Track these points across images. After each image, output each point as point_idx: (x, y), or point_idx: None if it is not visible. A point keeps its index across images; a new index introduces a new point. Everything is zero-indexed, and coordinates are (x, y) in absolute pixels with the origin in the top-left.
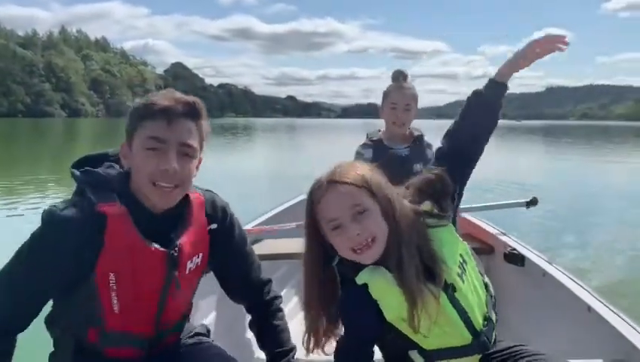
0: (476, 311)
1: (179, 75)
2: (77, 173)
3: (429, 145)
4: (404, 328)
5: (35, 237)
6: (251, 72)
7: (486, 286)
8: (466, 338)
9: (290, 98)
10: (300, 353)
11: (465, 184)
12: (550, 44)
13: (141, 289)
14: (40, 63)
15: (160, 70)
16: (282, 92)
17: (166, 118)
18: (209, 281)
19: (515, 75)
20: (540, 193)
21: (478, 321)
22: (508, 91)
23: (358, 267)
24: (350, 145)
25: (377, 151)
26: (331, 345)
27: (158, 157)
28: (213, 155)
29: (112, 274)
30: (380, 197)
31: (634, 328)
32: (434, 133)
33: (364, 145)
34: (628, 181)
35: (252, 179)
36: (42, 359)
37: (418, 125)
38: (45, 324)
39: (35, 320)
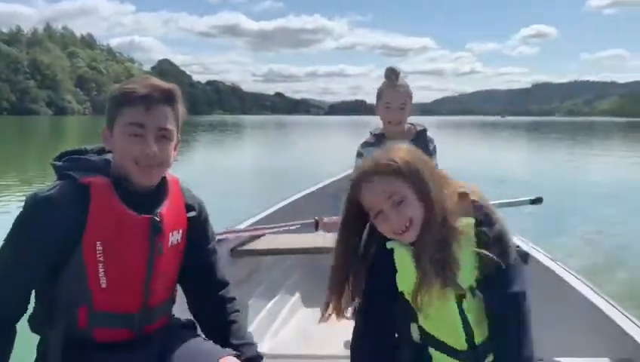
0: (479, 329)
1: (166, 72)
2: (58, 163)
3: (431, 140)
4: (412, 301)
5: (19, 217)
6: (239, 69)
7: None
8: (461, 344)
9: (279, 95)
10: (267, 346)
11: None
12: None
13: (127, 259)
14: (25, 60)
15: (147, 67)
16: (270, 89)
17: (144, 105)
18: None
19: (501, 71)
20: (529, 190)
21: (479, 338)
22: (494, 88)
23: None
24: (341, 142)
25: (380, 146)
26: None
27: (140, 142)
28: (204, 153)
29: (98, 243)
30: (417, 183)
31: (639, 327)
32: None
33: (364, 144)
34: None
35: (243, 177)
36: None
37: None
38: (29, 324)
39: (22, 325)
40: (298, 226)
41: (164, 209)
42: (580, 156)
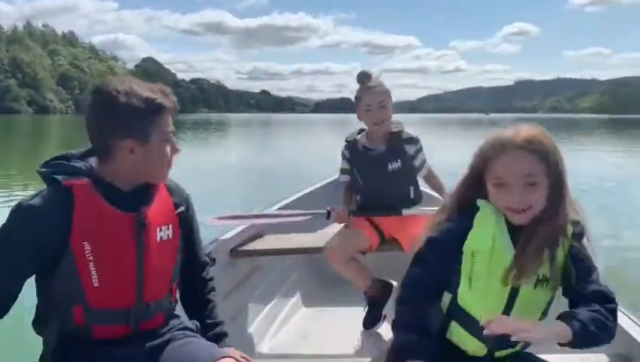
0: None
1: (150, 71)
2: (44, 169)
3: (410, 140)
4: (464, 267)
5: (4, 225)
6: (224, 67)
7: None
8: None
9: (264, 93)
10: (266, 346)
11: None
12: None
13: (116, 256)
14: (5, 59)
15: (131, 65)
16: (256, 86)
17: (171, 114)
18: None
19: (485, 68)
20: None
21: None
22: (478, 85)
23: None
24: (327, 141)
25: (353, 152)
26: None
27: (171, 147)
28: (188, 152)
29: (86, 244)
30: (555, 175)
31: (635, 322)
32: (407, 128)
33: (345, 147)
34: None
35: (229, 175)
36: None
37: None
38: (33, 327)
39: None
40: (310, 217)
41: (150, 206)
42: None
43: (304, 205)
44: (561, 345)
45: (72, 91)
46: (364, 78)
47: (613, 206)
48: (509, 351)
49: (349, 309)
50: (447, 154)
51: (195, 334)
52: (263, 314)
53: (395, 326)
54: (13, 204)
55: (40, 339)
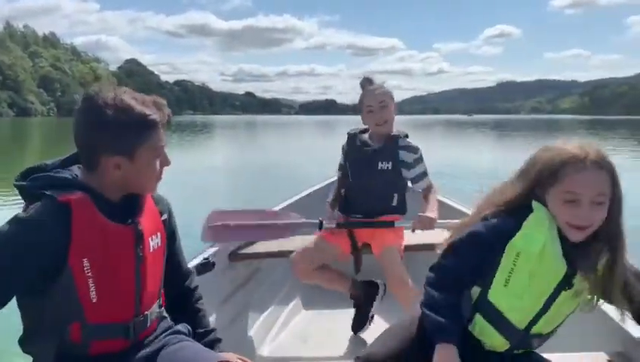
0: (548, 322)
1: (133, 72)
2: (26, 183)
3: (408, 148)
4: (503, 265)
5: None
6: (208, 69)
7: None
8: (522, 324)
9: (249, 94)
10: (266, 350)
11: None
12: None
13: (116, 270)
14: None
15: (114, 67)
16: (240, 88)
17: (162, 127)
18: (207, 283)
19: (468, 70)
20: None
21: (540, 328)
22: (461, 87)
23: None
24: (313, 142)
25: (350, 145)
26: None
27: (162, 160)
28: (174, 155)
29: (85, 260)
30: (616, 197)
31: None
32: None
33: (346, 140)
34: None
35: (216, 178)
36: None
37: None
38: (20, 345)
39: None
40: (302, 222)
41: (142, 215)
42: None
43: (303, 207)
44: None
45: (54, 93)
46: (366, 82)
47: None
48: (526, 350)
49: (349, 311)
50: (434, 154)
51: (188, 338)
52: (262, 317)
53: (424, 306)
54: None
55: (29, 358)
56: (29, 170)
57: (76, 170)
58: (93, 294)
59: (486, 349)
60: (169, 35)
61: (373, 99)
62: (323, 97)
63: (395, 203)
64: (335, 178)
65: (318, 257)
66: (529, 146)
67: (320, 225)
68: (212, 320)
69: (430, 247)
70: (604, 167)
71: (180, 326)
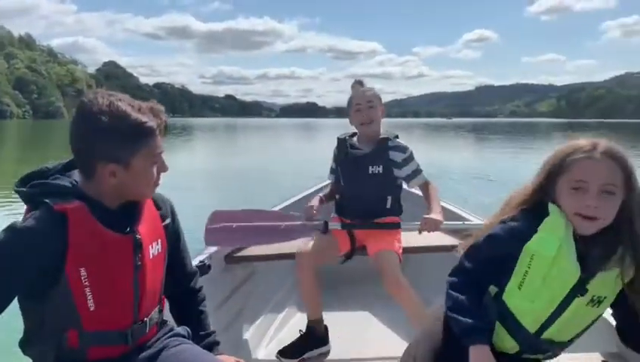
0: (562, 328)
1: (112, 74)
2: (24, 189)
3: (398, 148)
4: (518, 267)
5: None
6: (188, 71)
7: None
8: (533, 328)
9: (229, 97)
10: (262, 352)
11: None
12: None
13: (113, 280)
14: None
15: (92, 69)
16: (221, 91)
17: (159, 133)
18: (204, 286)
19: (447, 74)
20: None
21: (552, 334)
22: (440, 90)
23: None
24: (295, 144)
25: (340, 150)
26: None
27: (159, 166)
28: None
29: (82, 269)
30: (630, 192)
31: None
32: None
33: (336, 145)
34: None
35: (197, 180)
36: None
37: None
38: (20, 347)
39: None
40: (308, 224)
41: (141, 223)
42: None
43: (300, 209)
44: None
45: (30, 95)
46: (356, 83)
47: None
48: (538, 356)
49: (346, 314)
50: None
51: (188, 341)
52: (259, 319)
53: (450, 310)
54: None
55: (29, 360)
56: (31, 175)
57: (76, 176)
58: (90, 303)
59: (496, 350)
60: (148, 37)
61: (362, 98)
62: (304, 100)
63: (388, 205)
64: (328, 181)
65: (321, 256)
66: (506, 147)
67: (325, 227)
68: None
69: (427, 249)
70: (615, 158)
71: (180, 329)
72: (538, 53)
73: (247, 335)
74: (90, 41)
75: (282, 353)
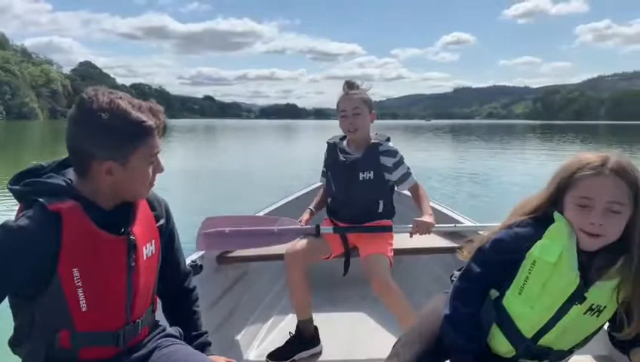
0: (559, 336)
1: (88, 75)
2: (19, 188)
3: (388, 153)
4: (520, 273)
5: None
6: (166, 72)
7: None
8: (530, 333)
9: (208, 98)
10: (254, 353)
11: None
12: None
13: (106, 281)
14: None
15: (67, 69)
16: (199, 92)
17: (157, 133)
18: (196, 286)
19: (425, 76)
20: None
21: (549, 340)
22: (419, 92)
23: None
24: (275, 146)
25: (329, 154)
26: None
27: (156, 166)
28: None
29: (75, 270)
30: (637, 207)
31: None
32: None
33: (326, 148)
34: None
35: (179, 181)
36: None
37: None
38: (10, 346)
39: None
40: (300, 228)
41: (136, 224)
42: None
43: (289, 211)
44: None
45: (3, 96)
46: (345, 85)
47: None
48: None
49: (337, 314)
50: None
51: (180, 341)
52: (250, 320)
53: (447, 319)
54: None
55: (18, 359)
56: (24, 173)
57: (71, 174)
58: (82, 303)
59: (492, 352)
60: (125, 37)
61: (347, 104)
62: (284, 101)
63: (380, 209)
64: (319, 183)
65: (311, 256)
66: (484, 148)
67: (317, 231)
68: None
69: (418, 251)
70: (624, 177)
71: (172, 330)
72: (515, 56)
73: (239, 335)
74: (66, 40)
75: (272, 356)
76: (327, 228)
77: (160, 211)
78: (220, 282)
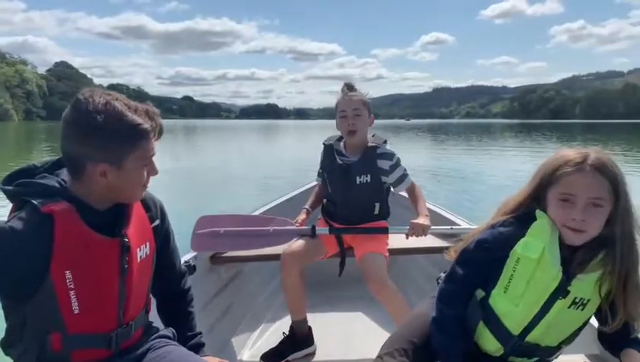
0: (547, 331)
1: (64, 75)
2: (11, 188)
3: (385, 155)
4: (505, 271)
5: None
6: (144, 72)
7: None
8: (516, 329)
9: (187, 98)
10: (247, 354)
11: None
12: None
13: (99, 283)
14: None
15: (42, 69)
16: (178, 92)
17: (154, 136)
18: (192, 287)
19: (405, 76)
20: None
21: (536, 336)
22: (399, 92)
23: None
24: (255, 146)
25: (326, 156)
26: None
27: (150, 169)
28: None
29: (67, 272)
30: (619, 206)
31: None
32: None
33: (323, 150)
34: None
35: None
36: None
37: (319, 125)
38: (1, 347)
39: None
40: (295, 229)
41: (129, 228)
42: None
43: (285, 211)
44: None
45: None
46: (345, 87)
47: None
48: (524, 360)
49: (332, 314)
50: None
51: (174, 342)
52: (244, 320)
53: (434, 322)
54: None
55: (9, 360)
56: (18, 173)
57: (65, 175)
58: (75, 306)
59: (481, 352)
60: (102, 36)
61: (348, 105)
62: (264, 102)
63: (376, 211)
64: (314, 183)
65: (307, 257)
66: (459, 146)
67: (313, 232)
68: None
69: (414, 251)
70: (604, 172)
71: (165, 331)
72: (492, 56)
73: (232, 336)
74: (41, 40)
75: (265, 356)
76: (323, 229)
77: (155, 212)
78: (213, 282)
